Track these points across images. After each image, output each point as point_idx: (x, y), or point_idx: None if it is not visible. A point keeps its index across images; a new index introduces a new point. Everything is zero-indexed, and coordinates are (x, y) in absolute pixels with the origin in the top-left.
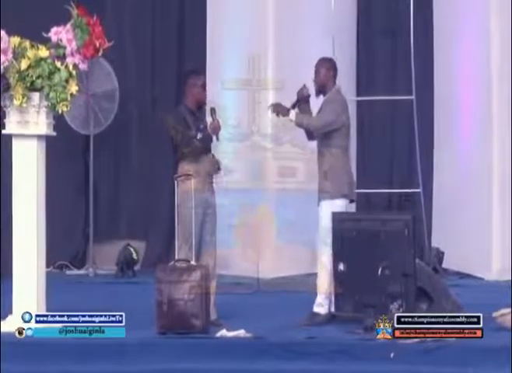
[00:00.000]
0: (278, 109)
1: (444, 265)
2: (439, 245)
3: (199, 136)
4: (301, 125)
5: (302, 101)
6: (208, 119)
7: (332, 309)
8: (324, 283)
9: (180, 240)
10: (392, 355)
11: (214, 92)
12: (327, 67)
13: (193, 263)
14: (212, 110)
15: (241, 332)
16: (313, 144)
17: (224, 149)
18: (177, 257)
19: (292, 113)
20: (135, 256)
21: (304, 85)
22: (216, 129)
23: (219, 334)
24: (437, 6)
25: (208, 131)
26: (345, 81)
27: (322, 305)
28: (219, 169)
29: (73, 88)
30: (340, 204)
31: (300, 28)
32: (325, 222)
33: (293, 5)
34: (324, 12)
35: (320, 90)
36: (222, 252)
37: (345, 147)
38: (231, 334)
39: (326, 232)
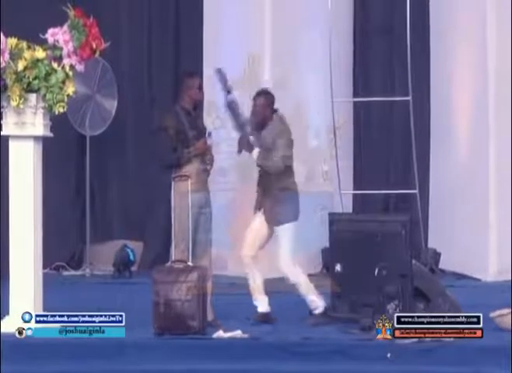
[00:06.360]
0: (244, 146)
1: (441, 266)
2: (435, 246)
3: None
4: (262, 165)
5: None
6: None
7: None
8: (305, 285)
9: (177, 240)
10: (389, 355)
11: (212, 93)
12: (263, 101)
13: (190, 263)
14: (208, 134)
15: (238, 333)
16: (313, 144)
17: (222, 149)
18: (173, 258)
19: (255, 152)
20: (131, 256)
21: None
22: (200, 150)
23: (215, 335)
24: (434, 6)
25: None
26: (342, 81)
27: (316, 302)
28: (211, 164)
29: (70, 89)
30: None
31: (297, 27)
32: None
33: (290, 5)
34: (321, 12)
35: (261, 123)
36: (219, 252)
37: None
38: (228, 335)
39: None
